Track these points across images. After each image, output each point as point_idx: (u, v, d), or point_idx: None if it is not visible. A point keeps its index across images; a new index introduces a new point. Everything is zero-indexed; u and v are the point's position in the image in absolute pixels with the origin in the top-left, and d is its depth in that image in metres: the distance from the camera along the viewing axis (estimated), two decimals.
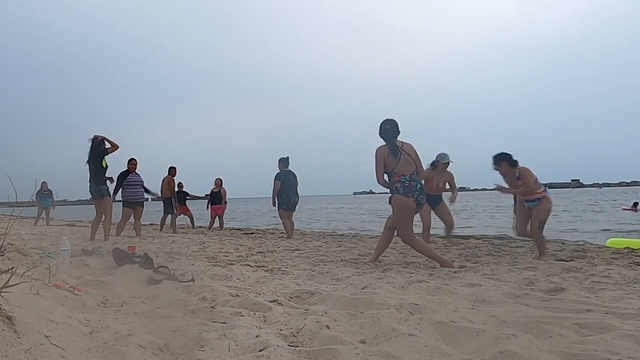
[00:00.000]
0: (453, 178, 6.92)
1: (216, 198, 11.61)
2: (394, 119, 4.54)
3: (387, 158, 4.39)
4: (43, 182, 14.00)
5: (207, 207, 11.80)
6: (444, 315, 2.13)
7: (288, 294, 2.86)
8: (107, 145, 7.21)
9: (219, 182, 11.79)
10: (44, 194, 13.80)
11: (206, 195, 11.98)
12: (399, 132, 4.50)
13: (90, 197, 7.26)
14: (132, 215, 8.77)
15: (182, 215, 11.67)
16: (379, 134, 4.51)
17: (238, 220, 19.17)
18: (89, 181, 7.16)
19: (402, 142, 4.48)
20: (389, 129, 4.47)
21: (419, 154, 4.52)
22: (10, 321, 1.42)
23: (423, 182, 4.56)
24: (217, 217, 11.66)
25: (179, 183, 11.65)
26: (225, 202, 11.77)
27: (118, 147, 7.28)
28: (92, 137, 7.21)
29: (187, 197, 12.16)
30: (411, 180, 4.36)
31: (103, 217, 7.27)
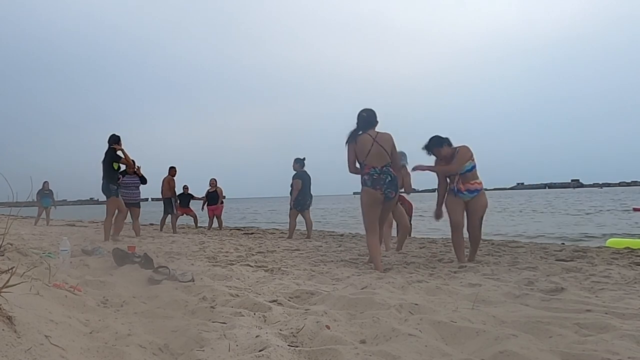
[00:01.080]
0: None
1: (212, 198, 11.60)
2: (372, 108, 4.36)
3: (356, 147, 4.26)
4: (45, 182, 13.95)
5: (202, 207, 11.78)
6: (444, 315, 2.13)
7: (288, 294, 2.86)
8: (121, 154, 7.25)
9: (214, 182, 11.78)
10: (45, 194, 13.75)
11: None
12: (375, 122, 4.31)
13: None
14: (130, 215, 8.76)
15: (184, 215, 11.62)
16: (356, 122, 4.33)
17: (237, 220, 19.17)
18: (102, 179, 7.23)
19: (378, 132, 4.27)
20: (364, 116, 4.30)
21: (396, 145, 4.33)
22: (10, 321, 1.42)
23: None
24: (214, 217, 11.66)
25: (184, 186, 11.60)
26: (222, 202, 11.76)
27: (130, 165, 7.40)
28: (110, 135, 7.23)
29: (192, 199, 12.13)
30: (381, 173, 4.18)
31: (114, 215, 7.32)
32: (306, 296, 2.80)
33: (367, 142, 4.22)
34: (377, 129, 4.34)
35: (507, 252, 5.61)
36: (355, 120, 4.33)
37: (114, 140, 7.19)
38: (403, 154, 5.96)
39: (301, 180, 8.47)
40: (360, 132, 4.29)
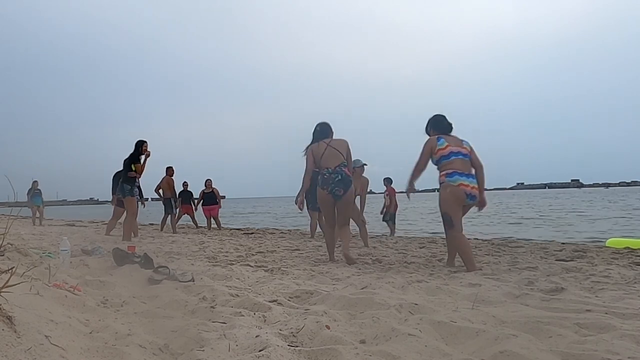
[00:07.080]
0: (367, 185, 6.98)
1: (209, 199, 11.59)
2: (327, 122, 4.87)
3: (313, 153, 4.69)
4: (34, 181, 13.77)
5: (196, 208, 11.72)
6: (444, 315, 2.13)
7: (288, 293, 2.86)
8: (142, 159, 7.28)
9: (209, 183, 11.78)
10: (35, 192, 13.61)
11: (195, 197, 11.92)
12: (329, 133, 4.80)
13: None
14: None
15: (186, 214, 11.58)
16: (312, 135, 4.83)
17: (238, 220, 19.15)
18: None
19: (332, 139, 4.75)
20: (319, 130, 4.80)
21: (350, 150, 4.74)
22: (10, 321, 1.42)
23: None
24: (211, 217, 11.64)
25: (184, 182, 11.59)
26: (217, 202, 11.74)
27: (139, 172, 7.37)
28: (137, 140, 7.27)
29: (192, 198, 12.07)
30: (332, 173, 4.56)
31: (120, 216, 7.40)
32: (306, 296, 2.79)
33: (321, 146, 4.68)
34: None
35: (507, 252, 5.61)
36: (312, 134, 4.82)
37: (140, 145, 7.22)
38: (358, 160, 6.55)
39: None
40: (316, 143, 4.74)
